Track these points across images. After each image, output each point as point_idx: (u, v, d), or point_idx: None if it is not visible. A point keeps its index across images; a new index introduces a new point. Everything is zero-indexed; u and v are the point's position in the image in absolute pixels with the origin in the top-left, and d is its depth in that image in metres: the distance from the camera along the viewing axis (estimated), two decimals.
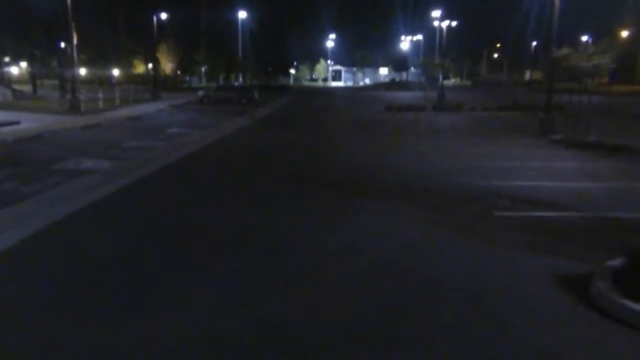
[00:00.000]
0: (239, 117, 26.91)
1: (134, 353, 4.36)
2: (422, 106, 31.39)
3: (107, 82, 56.45)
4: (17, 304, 5.30)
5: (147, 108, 31.32)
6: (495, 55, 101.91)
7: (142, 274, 5.99)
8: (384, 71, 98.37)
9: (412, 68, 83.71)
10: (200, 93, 39.23)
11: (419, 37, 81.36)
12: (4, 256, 6.55)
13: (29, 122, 20.96)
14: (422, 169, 12.60)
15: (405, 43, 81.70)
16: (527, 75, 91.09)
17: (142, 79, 56.99)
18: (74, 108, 26.27)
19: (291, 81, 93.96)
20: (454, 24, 43.01)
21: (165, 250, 6.83)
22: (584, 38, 66.67)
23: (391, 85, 73.20)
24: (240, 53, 69.55)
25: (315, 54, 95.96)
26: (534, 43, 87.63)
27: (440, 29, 40.38)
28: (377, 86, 75.86)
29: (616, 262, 5.72)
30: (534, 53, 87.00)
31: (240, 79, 74.19)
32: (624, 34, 66.00)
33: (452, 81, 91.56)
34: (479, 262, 6.43)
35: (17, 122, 20.72)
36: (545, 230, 7.76)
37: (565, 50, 16.83)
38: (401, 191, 10.36)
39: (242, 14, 71.38)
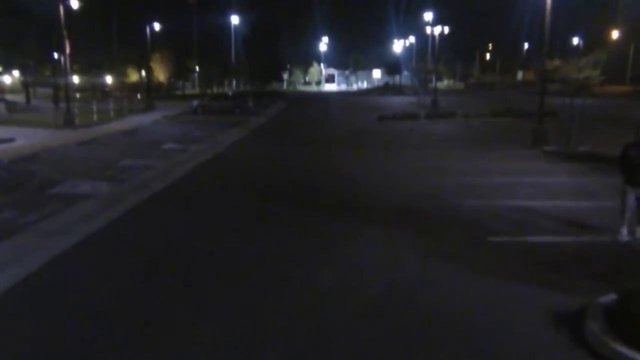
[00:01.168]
0: (233, 129, 26.96)
1: None
2: (415, 114, 31.54)
3: (100, 91, 56.34)
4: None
5: (142, 120, 31.32)
6: (488, 57, 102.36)
7: (150, 322, 6.06)
8: (377, 74, 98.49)
9: (405, 71, 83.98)
10: (195, 103, 39.25)
11: (412, 39, 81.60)
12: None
13: (23, 139, 20.94)
14: (417, 189, 12.70)
15: (398, 45, 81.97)
16: (519, 76, 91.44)
17: (135, 87, 56.87)
18: (68, 122, 26.24)
19: (285, 86, 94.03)
20: (446, 29, 43.22)
21: (167, 287, 6.90)
22: (575, 41, 67.34)
23: (385, 89, 73.41)
24: (233, 58, 69.59)
25: (308, 58, 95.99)
26: (526, 44, 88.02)
27: (433, 34, 40.56)
28: (371, 90, 76.07)
29: (609, 298, 5.83)
30: (526, 54, 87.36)
31: (234, 85, 74.20)
32: (614, 35, 66.58)
33: (445, 83, 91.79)
34: (474, 299, 6.53)
35: (11, 139, 20.68)
36: (540, 258, 7.87)
37: (556, 62, 17.00)
38: (395, 215, 10.47)
39: (235, 19, 71.54)
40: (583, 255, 8.00)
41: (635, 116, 26.96)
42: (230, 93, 55.42)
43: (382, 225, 9.70)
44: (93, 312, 6.22)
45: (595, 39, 56.93)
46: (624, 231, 8.56)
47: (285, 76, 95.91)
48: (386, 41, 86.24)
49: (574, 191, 12.28)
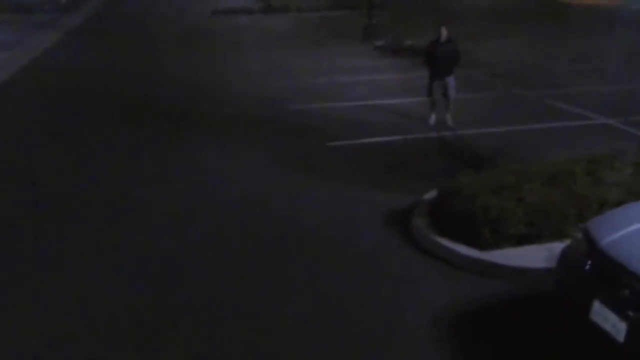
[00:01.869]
0: (44, 31, 23.69)
1: None
2: (249, 8, 30.35)
3: None
4: None
5: None
6: None
7: None
8: None
9: None
10: None
11: None
12: None
13: None
14: (256, 94, 12.59)
15: None
16: None
17: None
18: None
19: None
20: None
21: None
22: None
23: None
24: None
25: None
26: None
27: None
28: None
29: (432, 194, 6.56)
30: None
31: None
32: None
33: None
34: (317, 206, 6.94)
35: None
36: (376, 159, 8.48)
37: None
38: (236, 122, 10.42)
39: None
40: (411, 152, 8.79)
41: (451, 6, 29.10)
42: None
43: (222, 135, 9.63)
44: None
45: None
46: (432, 116, 10.11)
47: None
48: None
49: (403, 87, 13.11)
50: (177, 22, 26.93)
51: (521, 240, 5.53)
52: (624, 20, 25.05)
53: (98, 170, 8.24)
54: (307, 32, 23.10)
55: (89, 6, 36.31)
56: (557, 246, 5.39)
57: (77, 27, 25.80)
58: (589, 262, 3.96)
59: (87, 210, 6.91)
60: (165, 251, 5.90)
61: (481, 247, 5.48)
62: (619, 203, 5.58)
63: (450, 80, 9.88)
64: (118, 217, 6.70)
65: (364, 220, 6.50)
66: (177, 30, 23.89)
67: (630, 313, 3.54)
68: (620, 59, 15.63)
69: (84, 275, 5.46)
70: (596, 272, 3.91)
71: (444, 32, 9.83)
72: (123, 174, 8.09)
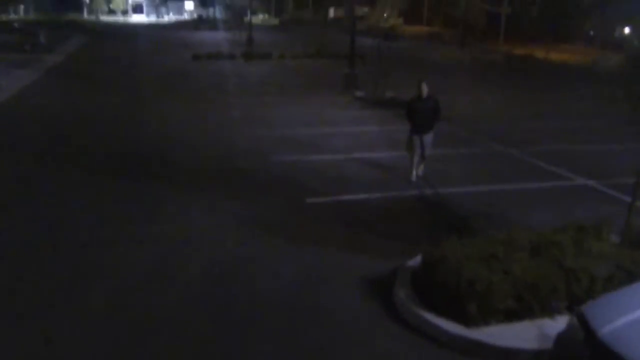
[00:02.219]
0: (24, 70, 23.35)
1: None
2: (231, 53, 30.52)
3: None
4: None
5: None
6: None
7: None
8: (189, 6, 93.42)
9: (219, 5, 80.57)
10: None
11: None
12: None
13: None
14: (235, 144, 12.34)
15: None
16: (331, 13, 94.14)
17: None
18: None
19: (85, 14, 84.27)
20: None
21: None
22: None
23: (199, 23, 69.54)
24: None
25: None
26: None
27: None
28: (184, 24, 71.50)
29: (415, 261, 6.24)
30: None
31: (22, 13, 64.24)
32: None
33: (260, 17, 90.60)
34: (293, 271, 6.53)
35: None
36: (355, 218, 8.17)
37: (365, 9, 17.44)
38: (211, 175, 10.10)
39: None
40: (393, 211, 8.53)
41: (428, 60, 29.70)
42: (17, 24, 47.71)
43: (195, 189, 9.26)
44: None
45: None
46: (414, 172, 9.93)
47: (87, 0, 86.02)
48: None
49: (384, 141, 13.00)
50: (158, 66, 26.84)
51: (509, 315, 5.22)
52: (595, 77, 25.81)
53: (52, 234, 7.71)
54: (289, 80, 23.24)
55: (69, 46, 36.21)
56: (548, 324, 5.14)
57: (55, 68, 25.51)
58: (587, 354, 3.67)
59: (40, 270, 6.42)
60: (108, 334, 5.39)
61: (467, 322, 5.16)
62: (609, 278, 5.36)
63: (428, 137, 9.82)
64: (70, 284, 6.12)
65: (342, 289, 6.11)
66: (156, 74, 23.80)
67: None
68: (593, 118, 15.89)
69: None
70: None
71: (424, 89, 9.79)
72: (79, 233, 7.44)
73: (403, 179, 9.92)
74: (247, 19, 45.86)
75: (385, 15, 15.36)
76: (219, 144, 12.32)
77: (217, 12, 79.55)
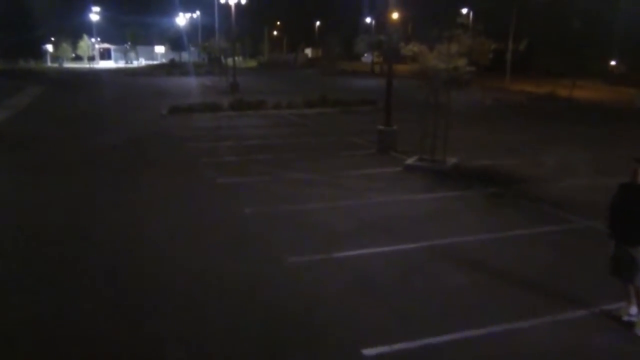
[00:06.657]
0: None
1: None
2: (216, 104, 24.93)
3: None
4: None
5: None
6: (275, 33, 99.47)
7: None
8: (160, 50, 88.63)
9: (192, 47, 75.70)
10: None
11: (197, 14, 73.41)
12: None
13: None
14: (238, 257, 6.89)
15: (182, 19, 73.13)
16: (309, 53, 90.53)
17: None
18: None
19: (48, 62, 78.65)
20: (242, 0, 37.27)
21: None
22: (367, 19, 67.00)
23: (172, 68, 64.04)
24: None
25: (77, 30, 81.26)
26: (317, 22, 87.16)
27: (228, 5, 34.22)
28: (155, 69, 65.84)
29: None
30: (318, 31, 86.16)
31: None
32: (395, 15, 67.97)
33: (236, 60, 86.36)
34: None
35: None
36: None
37: (414, 48, 12.58)
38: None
39: None
40: None
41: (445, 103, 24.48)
42: None
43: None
44: None
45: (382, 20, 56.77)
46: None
47: (51, 49, 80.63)
48: (169, 14, 77.00)
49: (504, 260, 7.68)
50: (126, 124, 20.97)
51: None
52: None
53: None
54: (303, 140, 17.71)
55: (19, 99, 30.20)
56: None
57: None
58: None
59: None
60: None
61: None
62: None
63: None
64: None
65: None
66: (122, 139, 17.52)
67: None
68: None
69: None
70: None
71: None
72: None
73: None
74: (229, 61, 40.88)
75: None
76: (200, 264, 6.84)
77: (189, 56, 74.62)
